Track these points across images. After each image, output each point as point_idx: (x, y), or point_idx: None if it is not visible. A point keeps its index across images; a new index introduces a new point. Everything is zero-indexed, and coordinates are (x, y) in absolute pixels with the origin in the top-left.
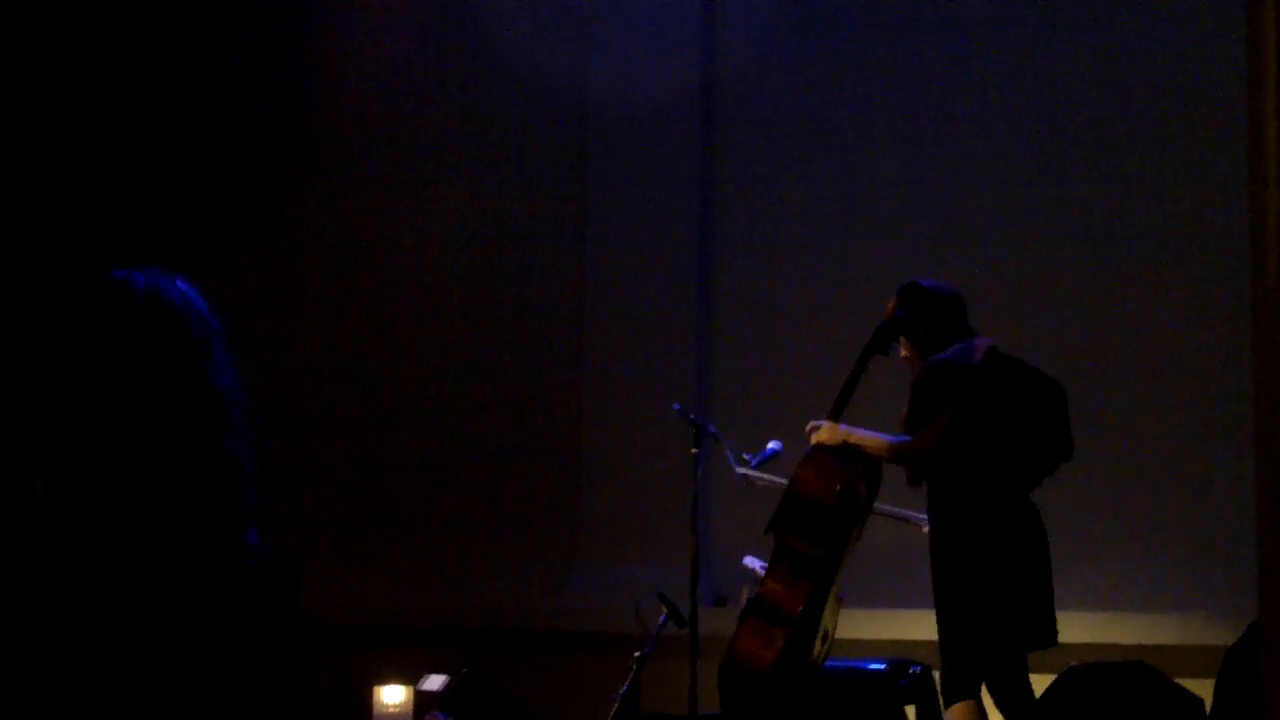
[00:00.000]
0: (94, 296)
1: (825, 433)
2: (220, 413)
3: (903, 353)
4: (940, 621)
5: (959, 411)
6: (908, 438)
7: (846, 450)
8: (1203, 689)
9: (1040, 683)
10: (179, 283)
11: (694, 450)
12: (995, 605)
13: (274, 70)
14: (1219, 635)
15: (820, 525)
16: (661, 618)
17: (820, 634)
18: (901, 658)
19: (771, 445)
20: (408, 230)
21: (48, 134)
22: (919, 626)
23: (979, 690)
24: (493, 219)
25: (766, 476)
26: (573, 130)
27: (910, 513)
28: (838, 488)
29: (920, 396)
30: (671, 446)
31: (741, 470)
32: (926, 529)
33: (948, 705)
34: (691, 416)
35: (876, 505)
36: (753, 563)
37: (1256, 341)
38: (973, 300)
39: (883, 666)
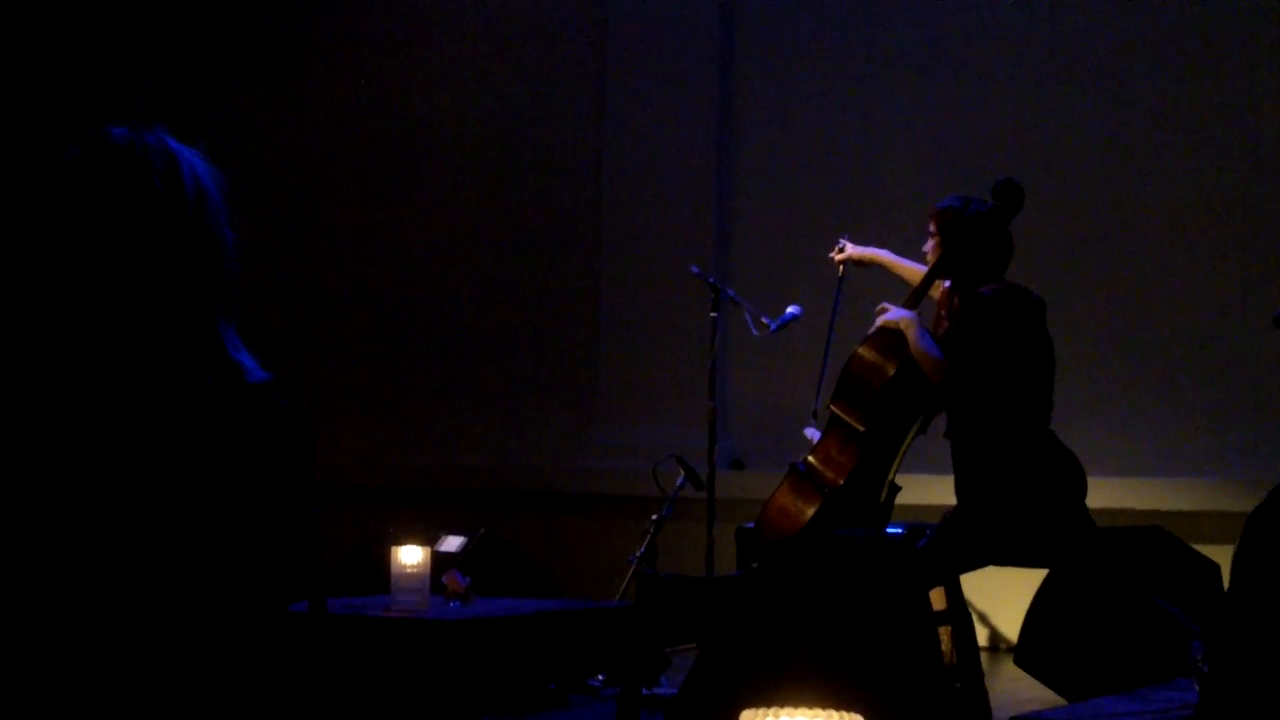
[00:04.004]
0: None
1: (892, 319)
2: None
3: (929, 257)
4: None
5: (999, 349)
6: (940, 360)
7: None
8: (1219, 554)
9: None
10: (172, 141)
11: (712, 314)
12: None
13: None
14: (1236, 501)
15: (866, 403)
16: (679, 480)
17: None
18: (917, 521)
19: (790, 309)
20: (426, 95)
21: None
22: (932, 491)
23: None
24: (511, 80)
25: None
26: None
27: None
28: (889, 371)
29: (975, 323)
30: (690, 309)
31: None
32: None
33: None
34: (710, 279)
35: None
36: (813, 434)
37: None
38: (988, 149)
39: (900, 530)
